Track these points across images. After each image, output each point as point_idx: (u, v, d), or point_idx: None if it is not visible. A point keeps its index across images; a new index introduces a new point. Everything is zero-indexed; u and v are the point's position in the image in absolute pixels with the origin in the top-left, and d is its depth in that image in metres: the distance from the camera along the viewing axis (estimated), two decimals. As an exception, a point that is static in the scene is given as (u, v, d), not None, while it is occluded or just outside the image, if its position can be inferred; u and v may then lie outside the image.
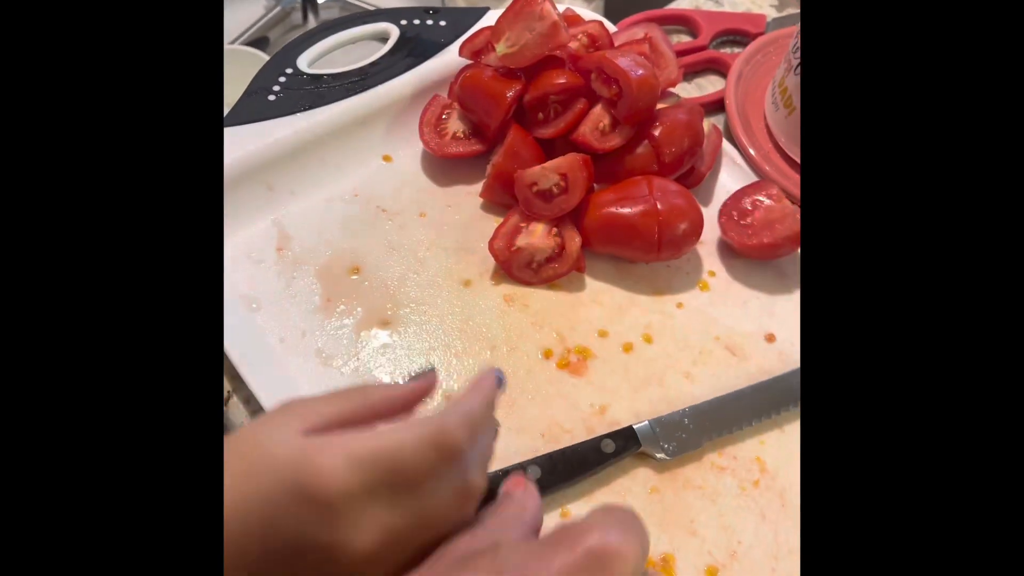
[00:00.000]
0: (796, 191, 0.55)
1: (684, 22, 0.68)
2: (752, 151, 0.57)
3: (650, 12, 0.67)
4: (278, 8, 1.06)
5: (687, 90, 0.64)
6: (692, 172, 0.54)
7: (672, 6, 0.70)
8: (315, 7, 1.06)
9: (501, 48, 0.49)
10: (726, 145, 0.57)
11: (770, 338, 0.49)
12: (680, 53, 0.64)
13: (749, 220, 0.51)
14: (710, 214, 0.54)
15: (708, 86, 0.65)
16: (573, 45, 0.53)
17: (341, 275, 0.48)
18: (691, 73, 0.65)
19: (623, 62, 0.48)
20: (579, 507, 0.41)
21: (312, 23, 1.06)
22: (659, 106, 0.53)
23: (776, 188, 0.52)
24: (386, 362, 0.45)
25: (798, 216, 0.50)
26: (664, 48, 0.57)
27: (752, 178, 0.56)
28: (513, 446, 0.43)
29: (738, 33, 0.66)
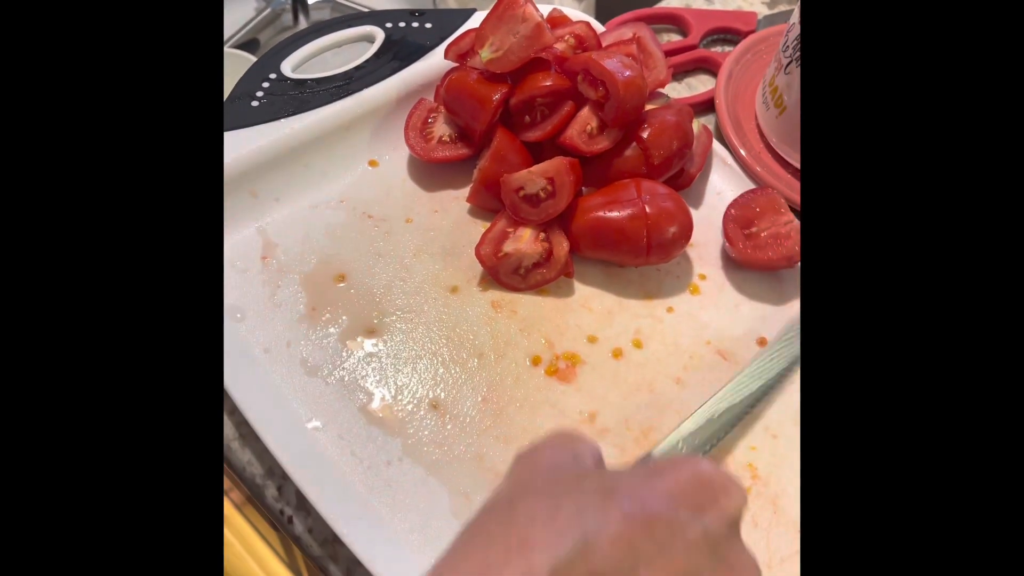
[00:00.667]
0: (788, 192, 0.54)
1: (674, 21, 0.67)
2: (743, 151, 0.56)
3: (639, 11, 0.66)
4: (268, 10, 1.05)
5: (677, 90, 0.63)
6: (682, 174, 0.53)
7: (662, 4, 0.69)
8: (306, 8, 1.05)
9: (485, 54, 0.49)
10: (716, 146, 0.56)
11: (762, 342, 0.48)
12: (670, 52, 0.64)
13: (754, 230, 0.51)
14: (700, 217, 0.53)
15: (698, 86, 0.64)
16: (560, 47, 0.52)
17: (326, 283, 0.48)
18: (681, 73, 0.64)
19: (610, 64, 0.47)
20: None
21: (303, 24, 1.05)
22: (648, 107, 0.52)
23: (777, 195, 0.51)
24: (372, 372, 0.44)
25: None
26: (653, 48, 0.56)
27: (743, 179, 0.55)
28: (500, 456, 0.42)
29: (729, 31, 0.66)
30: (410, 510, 0.40)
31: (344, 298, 0.47)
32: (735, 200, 0.52)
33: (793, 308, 0.50)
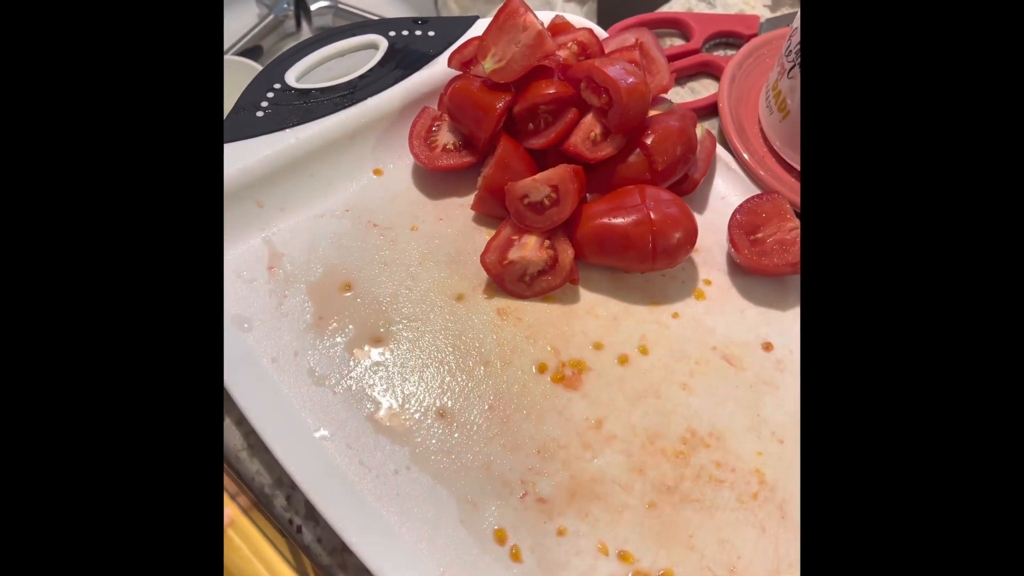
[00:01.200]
0: (792, 196, 0.54)
1: (676, 25, 0.67)
2: (746, 156, 0.56)
3: (642, 16, 0.66)
4: (271, 17, 1.05)
5: (680, 94, 0.64)
6: (686, 179, 0.53)
7: (665, 8, 0.69)
8: (308, 15, 1.05)
9: (488, 64, 0.49)
10: (720, 151, 0.56)
11: (767, 347, 0.48)
12: (672, 57, 0.64)
13: (759, 236, 0.51)
14: (704, 222, 0.53)
15: (701, 90, 0.64)
16: (563, 54, 0.53)
17: (333, 292, 0.48)
18: (684, 77, 0.64)
19: (612, 70, 0.47)
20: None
21: (306, 31, 1.05)
22: (651, 113, 0.52)
23: (783, 201, 0.51)
24: (379, 380, 0.44)
25: None
26: (655, 54, 0.56)
27: (748, 184, 0.55)
28: (508, 463, 0.42)
29: (731, 35, 0.66)
30: (418, 519, 0.40)
31: (350, 307, 0.47)
32: (741, 206, 0.52)
33: (797, 313, 0.50)
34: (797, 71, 0.52)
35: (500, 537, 0.40)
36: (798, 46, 0.52)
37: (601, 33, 0.58)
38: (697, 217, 0.53)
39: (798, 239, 0.50)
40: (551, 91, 0.49)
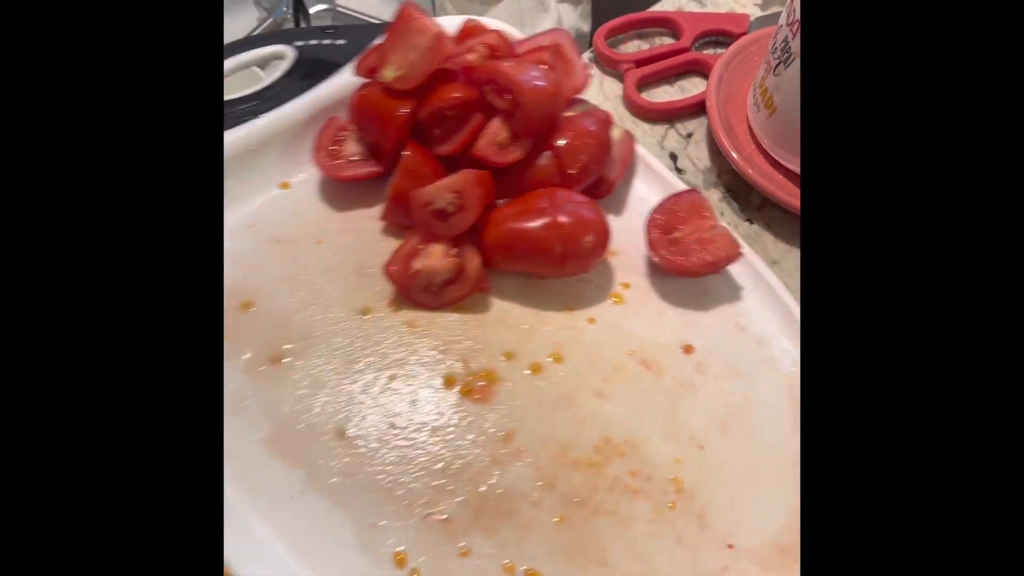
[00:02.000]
0: (780, 194, 0.53)
1: (666, 24, 0.67)
2: (735, 154, 0.55)
3: (631, 16, 0.66)
4: (270, 20, 1.05)
5: (670, 93, 0.63)
6: (601, 182, 0.52)
7: (658, 7, 0.69)
8: (307, 17, 1.05)
9: (389, 73, 0.47)
10: (641, 151, 0.55)
11: (688, 349, 0.47)
12: (662, 56, 0.64)
13: (678, 235, 0.49)
14: (623, 224, 0.52)
15: (691, 88, 0.63)
16: (471, 57, 0.51)
17: (232, 312, 0.46)
18: (673, 76, 0.64)
19: (514, 72, 0.46)
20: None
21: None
22: (567, 114, 0.51)
23: (703, 199, 0.50)
24: (277, 401, 0.42)
25: (730, 237, 0.48)
26: (571, 55, 0.55)
27: (669, 184, 0.54)
28: (411, 483, 0.40)
29: (721, 34, 0.66)
30: (314, 546, 0.38)
31: (250, 326, 0.45)
32: (658, 205, 0.50)
33: (719, 314, 0.49)
34: (783, 68, 0.51)
35: (400, 561, 0.38)
36: (783, 43, 0.51)
37: (516, 36, 0.57)
38: (615, 219, 0.52)
39: (717, 237, 0.48)
40: (455, 95, 0.48)
